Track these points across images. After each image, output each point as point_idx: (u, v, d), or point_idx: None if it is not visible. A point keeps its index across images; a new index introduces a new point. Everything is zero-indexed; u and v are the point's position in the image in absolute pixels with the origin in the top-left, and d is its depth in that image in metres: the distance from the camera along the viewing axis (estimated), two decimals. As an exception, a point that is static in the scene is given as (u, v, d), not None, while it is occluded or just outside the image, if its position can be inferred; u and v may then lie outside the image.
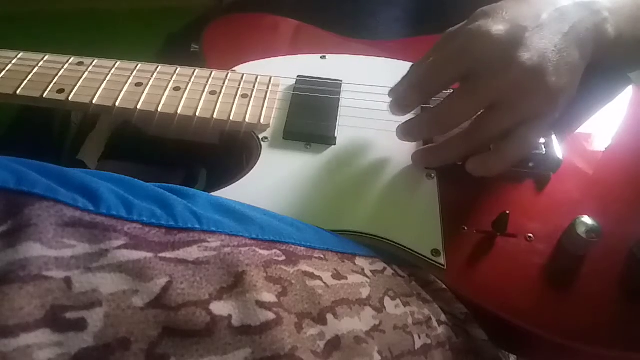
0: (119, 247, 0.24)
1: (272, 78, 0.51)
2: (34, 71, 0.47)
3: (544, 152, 0.45)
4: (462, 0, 0.61)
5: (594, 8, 0.44)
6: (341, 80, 0.52)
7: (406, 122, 0.44)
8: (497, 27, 0.40)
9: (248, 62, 0.54)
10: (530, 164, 0.45)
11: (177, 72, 0.50)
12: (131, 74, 0.49)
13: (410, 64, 0.47)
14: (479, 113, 0.41)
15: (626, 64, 0.54)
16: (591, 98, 0.50)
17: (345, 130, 0.47)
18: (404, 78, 0.46)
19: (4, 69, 0.47)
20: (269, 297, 0.27)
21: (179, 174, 0.54)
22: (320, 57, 0.56)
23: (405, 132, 0.44)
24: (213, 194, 0.39)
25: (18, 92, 0.46)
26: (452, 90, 0.42)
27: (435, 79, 0.41)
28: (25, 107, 0.47)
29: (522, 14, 0.41)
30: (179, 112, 0.46)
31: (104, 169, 0.30)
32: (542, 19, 0.41)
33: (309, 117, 0.48)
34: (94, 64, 0.49)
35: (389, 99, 0.46)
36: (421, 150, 0.45)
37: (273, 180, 0.43)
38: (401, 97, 0.43)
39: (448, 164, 0.44)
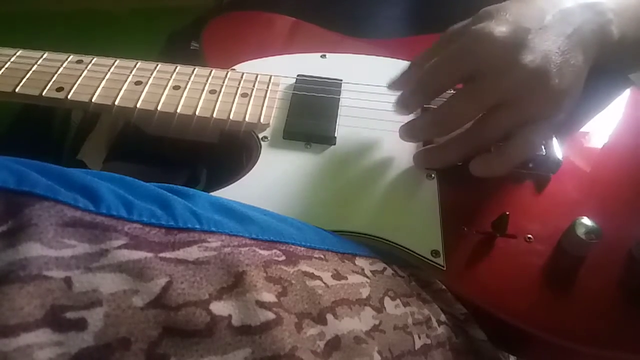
0: (119, 247, 0.24)
1: (272, 77, 0.51)
2: (32, 69, 0.47)
3: (544, 153, 0.45)
4: (461, 1, 0.61)
5: (598, 9, 0.44)
6: (341, 80, 0.52)
7: (409, 122, 0.44)
8: (501, 29, 0.40)
9: (248, 60, 0.54)
10: (530, 165, 0.45)
11: (176, 70, 0.50)
12: (130, 72, 0.49)
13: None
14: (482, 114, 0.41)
15: (629, 65, 0.54)
16: (591, 99, 0.50)
17: (345, 130, 0.47)
18: (402, 74, 0.46)
19: (2, 67, 0.47)
20: (268, 297, 0.27)
21: (182, 174, 0.54)
22: (321, 56, 0.56)
23: (408, 132, 0.44)
24: (213, 193, 0.39)
25: (17, 90, 0.45)
26: (454, 91, 0.42)
27: (439, 80, 0.42)
28: (25, 106, 0.47)
29: (525, 15, 0.41)
30: (178, 111, 0.46)
31: (108, 171, 0.30)
32: (546, 20, 0.41)
33: (309, 116, 0.48)
34: (93, 62, 0.49)
35: (389, 99, 0.46)
36: (422, 150, 0.45)
37: (273, 180, 0.43)
38: (405, 98, 0.43)
39: (449, 165, 0.44)
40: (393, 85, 0.47)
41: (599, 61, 0.45)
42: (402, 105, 0.44)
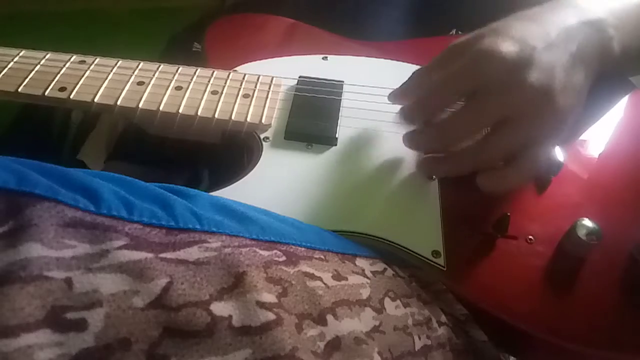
0: (120, 248, 0.24)
1: (274, 78, 0.51)
2: (35, 69, 0.47)
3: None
4: (462, 2, 0.61)
5: (600, 26, 0.44)
6: (343, 81, 0.52)
7: (412, 132, 0.44)
8: (507, 46, 0.39)
9: (250, 62, 0.54)
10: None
11: (179, 71, 0.50)
12: (133, 72, 0.49)
13: (412, 65, 0.46)
14: (487, 131, 0.41)
15: (630, 74, 0.54)
16: (593, 102, 0.50)
17: (347, 131, 0.47)
18: (402, 87, 0.46)
19: (5, 67, 0.47)
20: (269, 297, 0.27)
21: (184, 174, 0.55)
22: (322, 58, 0.56)
23: (411, 142, 0.44)
24: (213, 193, 0.40)
25: (20, 89, 0.45)
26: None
27: (443, 96, 0.42)
28: (25, 106, 0.47)
29: (531, 33, 0.41)
30: (180, 111, 0.46)
31: (110, 170, 0.30)
32: (551, 38, 0.41)
33: (311, 117, 0.48)
34: (95, 62, 0.49)
35: (390, 100, 0.46)
36: (428, 159, 0.44)
37: (274, 181, 0.43)
38: (408, 112, 0.44)
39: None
40: (393, 97, 0.47)
41: (600, 75, 0.44)
42: (403, 119, 0.44)
